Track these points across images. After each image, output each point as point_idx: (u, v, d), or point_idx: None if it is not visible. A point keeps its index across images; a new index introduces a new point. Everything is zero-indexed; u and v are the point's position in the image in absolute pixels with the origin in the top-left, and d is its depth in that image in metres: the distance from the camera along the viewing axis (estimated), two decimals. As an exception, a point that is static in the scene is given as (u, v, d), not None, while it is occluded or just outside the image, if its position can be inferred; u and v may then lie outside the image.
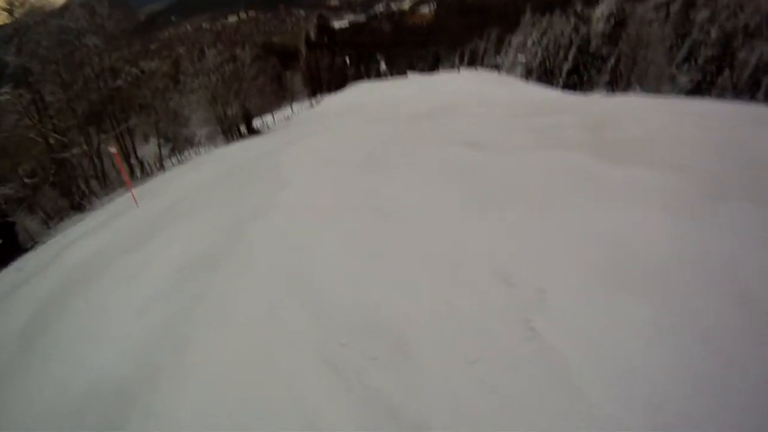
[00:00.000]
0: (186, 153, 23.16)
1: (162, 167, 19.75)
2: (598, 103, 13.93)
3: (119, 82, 19.36)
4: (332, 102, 37.78)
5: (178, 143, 28.11)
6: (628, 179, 5.47)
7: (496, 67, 65.76)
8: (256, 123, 27.01)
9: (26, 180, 16.21)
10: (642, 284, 3.40)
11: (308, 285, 4.42)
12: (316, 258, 4.99)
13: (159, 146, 21.44)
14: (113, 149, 10.61)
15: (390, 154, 9.32)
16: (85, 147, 18.34)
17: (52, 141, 17.16)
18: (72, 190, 17.43)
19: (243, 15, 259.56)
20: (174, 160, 21.11)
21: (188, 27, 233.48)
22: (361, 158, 9.27)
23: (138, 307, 4.89)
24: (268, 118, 31.93)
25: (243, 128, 23.78)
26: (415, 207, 5.88)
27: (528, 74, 51.80)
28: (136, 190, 12.07)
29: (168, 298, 4.90)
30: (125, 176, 11.45)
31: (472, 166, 7.22)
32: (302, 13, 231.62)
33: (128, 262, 6.48)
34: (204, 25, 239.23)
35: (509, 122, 11.73)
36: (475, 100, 20.33)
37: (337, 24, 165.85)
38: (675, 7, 45.54)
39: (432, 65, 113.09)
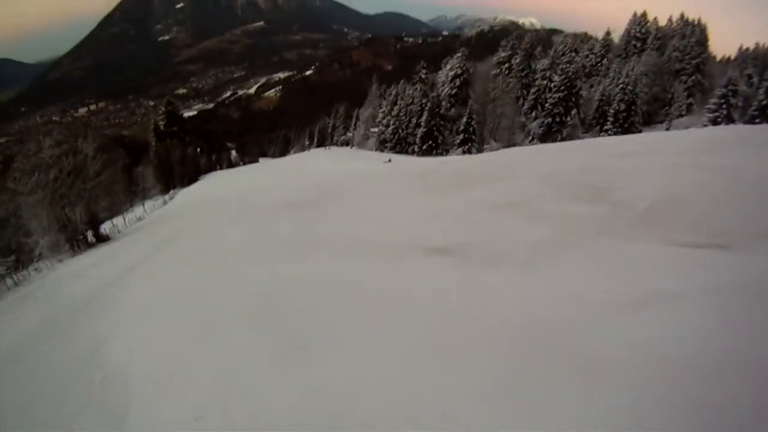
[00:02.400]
0: (28, 269, 18.83)
1: (-7, 293, 15.41)
2: (519, 160, 13.19)
3: None
4: (187, 196, 34.67)
5: (22, 255, 23.25)
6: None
7: (347, 143, 67.59)
8: (106, 227, 23.10)
9: None
10: None
11: None
12: None
13: (-15, 267, 16.91)
14: None
15: (300, 294, 5.62)
16: None
17: None
18: None
19: (93, 107, 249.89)
20: (11, 280, 16.63)
21: (38, 119, 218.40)
22: (256, 303, 5.51)
23: None
24: (119, 219, 27.99)
25: (90, 235, 19.97)
26: None
27: (382, 145, 54.01)
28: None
29: None
30: None
31: (522, 326, 4.05)
32: (151, 103, 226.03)
33: None
34: (54, 117, 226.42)
35: (447, 198, 9.43)
36: (350, 177, 19.18)
37: (186, 113, 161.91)
38: (516, 60, 50.82)
39: (282, 149, 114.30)
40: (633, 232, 5.70)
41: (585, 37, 62.43)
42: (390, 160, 37.65)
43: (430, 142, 47.05)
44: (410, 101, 51.17)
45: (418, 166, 20.76)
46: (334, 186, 15.94)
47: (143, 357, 4.90)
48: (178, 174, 50.09)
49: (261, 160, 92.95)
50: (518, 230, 6.55)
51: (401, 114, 51.85)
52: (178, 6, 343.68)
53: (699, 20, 50.23)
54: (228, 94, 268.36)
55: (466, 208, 8.32)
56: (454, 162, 18.81)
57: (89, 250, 17.96)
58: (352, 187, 15.08)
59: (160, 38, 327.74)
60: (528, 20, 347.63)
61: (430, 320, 4.30)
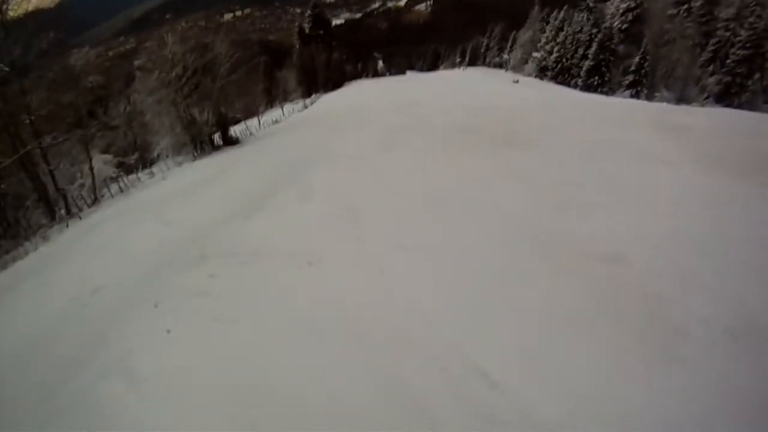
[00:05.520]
0: (146, 170, 18.84)
1: (96, 201, 15.13)
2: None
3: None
4: (330, 102, 32.51)
5: (146, 153, 23.55)
6: None
7: (500, 65, 62.79)
8: (238, 128, 22.41)
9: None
10: None
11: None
12: None
13: (91, 171, 16.61)
14: None
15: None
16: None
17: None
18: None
19: (239, 12, 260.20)
20: (121, 184, 16.27)
21: (184, 24, 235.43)
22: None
23: None
24: (254, 121, 27.58)
25: (217, 137, 19.02)
26: None
27: (542, 72, 48.83)
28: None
29: None
30: None
31: None
32: (297, 10, 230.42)
33: None
34: (200, 22, 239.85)
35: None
36: (535, 104, 15.40)
37: (333, 21, 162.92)
38: (697, 2, 41.82)
39: (431, 64, 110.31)
40: None
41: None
42: (518, 81, 36.62)
43: (596, 77, 41.00)
44: (578, 29, 44.31)
45: (609, 105, 15.86)
46: (524, 113, 12.32)
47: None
48: (321, 79, 49.20)
49: (408, 72, 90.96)
50: None
51: (567, 42, 45.40)
52: None
53: None
54: (377, 5, 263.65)
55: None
56: (701, 114, 12.81)
57: (214, 153, 17.08)
58: (565, 123, 11.14)
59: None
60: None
61: None
